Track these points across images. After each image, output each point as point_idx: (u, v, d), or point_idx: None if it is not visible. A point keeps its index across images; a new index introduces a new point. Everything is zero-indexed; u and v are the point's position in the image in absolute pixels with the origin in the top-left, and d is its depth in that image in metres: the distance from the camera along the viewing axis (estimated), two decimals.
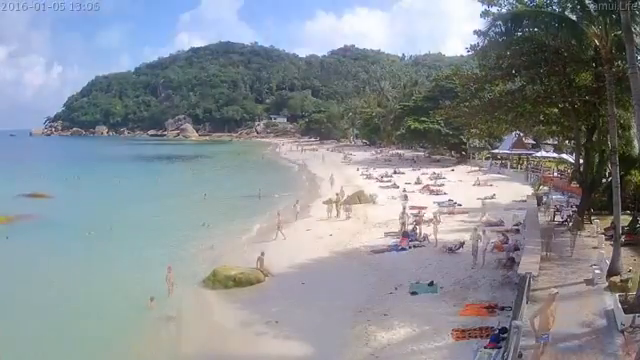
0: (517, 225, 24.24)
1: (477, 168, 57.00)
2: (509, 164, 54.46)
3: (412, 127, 68.82)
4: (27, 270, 20.15)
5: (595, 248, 17.47)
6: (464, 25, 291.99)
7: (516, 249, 18.97)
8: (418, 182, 44.58)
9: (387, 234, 24.68)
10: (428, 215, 26.97)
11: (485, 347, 11.17)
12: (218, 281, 17.94)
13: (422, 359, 11.45)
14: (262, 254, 18.98)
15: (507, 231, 22.81)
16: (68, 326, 14.62)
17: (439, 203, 32.69)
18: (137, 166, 73.90)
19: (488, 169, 54.62)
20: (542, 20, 17.02)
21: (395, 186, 43.61)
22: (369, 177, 52.05)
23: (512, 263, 17.29)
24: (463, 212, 29.95)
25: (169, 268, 17.50)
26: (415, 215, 26.93)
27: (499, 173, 50.80)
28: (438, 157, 72.74)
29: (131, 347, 13.53)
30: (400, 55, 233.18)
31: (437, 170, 54.09)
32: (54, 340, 13.75)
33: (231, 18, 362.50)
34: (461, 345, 11.81)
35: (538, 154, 49.57)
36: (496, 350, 10.69)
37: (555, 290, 10.09)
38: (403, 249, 21.75)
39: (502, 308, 13.64)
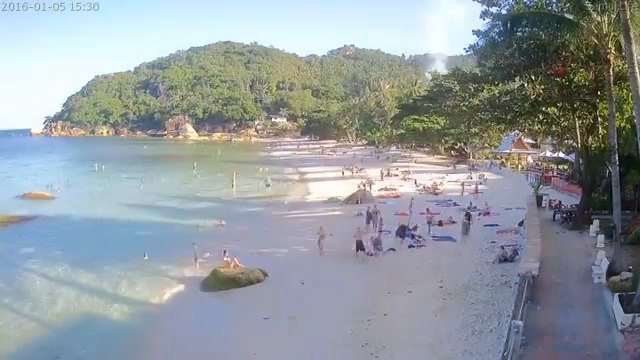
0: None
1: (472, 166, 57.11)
2: (509, 164, 54.44)
3: (411, 126, 68.80)
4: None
5: (595, 248, 17.45)
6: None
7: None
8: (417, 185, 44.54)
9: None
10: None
11: None
12: (218, 282, 17.96)
13: (421, 359, 11.46)
14: None
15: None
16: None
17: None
18: (138, 167, 73.67)
19: (488, 168, 54.60)
20: (541, 20, 17.01)
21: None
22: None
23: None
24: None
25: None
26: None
27: (497, 172, 50.86)
28: (437, 156, 72.64)
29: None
30: (400, 55, 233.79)
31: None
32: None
33: None
34: (460, 345, 11.79)
35: (539, 154, 49.58)
36: None
37: None
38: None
39: None
